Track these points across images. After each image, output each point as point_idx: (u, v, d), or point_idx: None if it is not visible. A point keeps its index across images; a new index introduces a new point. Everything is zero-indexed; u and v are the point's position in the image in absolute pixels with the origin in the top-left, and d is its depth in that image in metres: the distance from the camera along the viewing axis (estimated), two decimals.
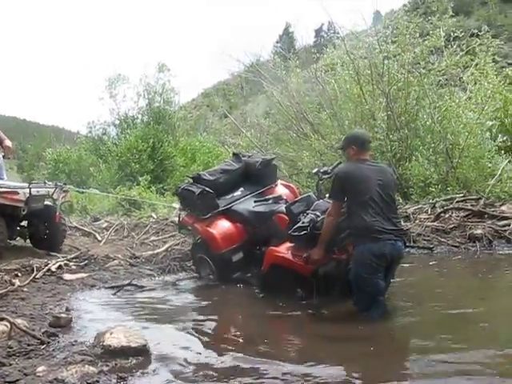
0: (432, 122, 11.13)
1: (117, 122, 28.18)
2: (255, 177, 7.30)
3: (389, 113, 11.55)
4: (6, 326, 4.42)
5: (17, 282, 6.48)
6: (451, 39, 11.95)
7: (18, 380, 3.37)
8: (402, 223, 5.04)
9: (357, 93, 11.95)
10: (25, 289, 6.28)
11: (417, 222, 8.75)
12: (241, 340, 4.29)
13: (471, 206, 9.19)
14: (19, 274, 6.93)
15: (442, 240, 8.00)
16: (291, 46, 26.91)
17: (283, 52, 16.48)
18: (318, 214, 5.25)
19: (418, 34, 12.01)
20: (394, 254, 4.76)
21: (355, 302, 4.85)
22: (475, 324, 4.49)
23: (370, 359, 3.82)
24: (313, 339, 4.43)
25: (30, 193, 8.05)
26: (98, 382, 3.36)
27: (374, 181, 4.79)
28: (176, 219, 8.19)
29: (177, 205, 8.96)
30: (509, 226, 8.14)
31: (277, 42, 55.41)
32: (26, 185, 8.30)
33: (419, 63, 11.84)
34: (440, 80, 12.17)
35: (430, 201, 9.81)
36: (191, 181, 7.29)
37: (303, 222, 5.25)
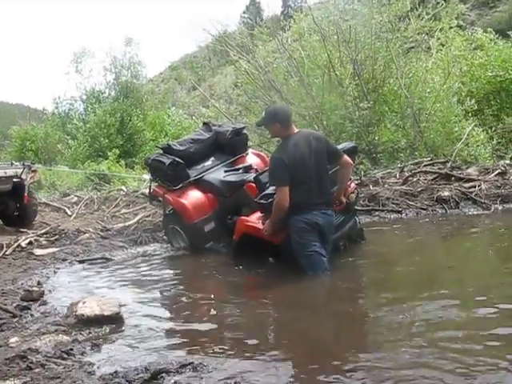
0: (399, 87, 11.20)
1: (84, 97, 27.69)
2: (226, 146, 7.27)
3: (356, 79, 11.57)
4: None
5: None
6: (416, 3, 11.97)
7: None
8: (332, 190, 5.10)
9: (325, 59, 11.92)
10: None
11: (385, 186, 8.83)
12: (211, 309, 4.32)
13: (438, 169, 9.33)
14: None
15: (411, 203, 8.10)
16: (258, 16, 26.64)
17: (250, 22, 16.29)
18: None
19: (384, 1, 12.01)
20: (326, 223, 4.96)
21: (302, 266, 4.93)
22: (436, 283, 4.58)
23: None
24: (280, 305, 4.49)
25: None
26: (71, 350, 3.36)
27: (307, 154, 4.89)
28: (146, 191, 8.15)
29: (147, 176, 8.90)
30: (475, 187, 8.29)
31: (244, 13, 54.69)
32: None
33: (389, 30, 11.84)
34: (407, 45, 12.22)
35: (399, 165, 9.92)
36: (161, 151, 7.24)
37: (270, 190, 5.26)
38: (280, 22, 14.68)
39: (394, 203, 8.16)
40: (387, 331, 3.48)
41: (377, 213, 7.99)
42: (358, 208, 7.55)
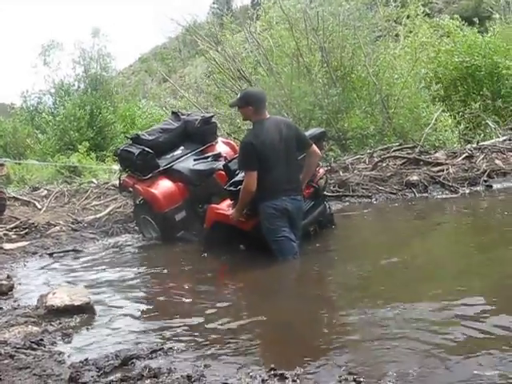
0: (367, 74, 11.29)
1: (52, 90, 27.29)
2: (195, 135, 7.27)
3: (325, 67, 11.63)
4: None
5: None
6: None
7: None
8: (300, 176, 5.18)
9: (293, 47, 11.95)
10: None
11: (355, 172, 8.89)
12: (181, 296, 4.35)
13: (407, 154, 9.44)
14: None
15: (380, 188, 8.18)
16: (228, 7, 26.54)
17: (220, 12, 16.22)
18: None
19: None
20: (295, 209, 5.03)
21: (273, 251, 4.98)
22: (405, 266, 4.65)
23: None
24: (250, 291, 4.54)
25: None
26: (42, 340, 3.36)
27: (277, 140, 4.93)
28: (117, 182, 8.10)
29: (116, 167, 8.85)
30: (443, 171, 8.41)
31: (213, 3, 54.34)
32: None
33: (357, 18, 11.91)
34: (375, 33, 12.33)
35: (368, 151, 10.01)
36: (130, 142, 7.20)
37: (239, 178, 5.29)
38: (248, 11, 14.64)
39: (363, 188, 8.23)
40: (356, 315, 3.53)
41: (347, 198, 8.06)
42: (329, 194, 7.63)
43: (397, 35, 13.46)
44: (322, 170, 6.07)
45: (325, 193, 6.36)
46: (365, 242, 6.02)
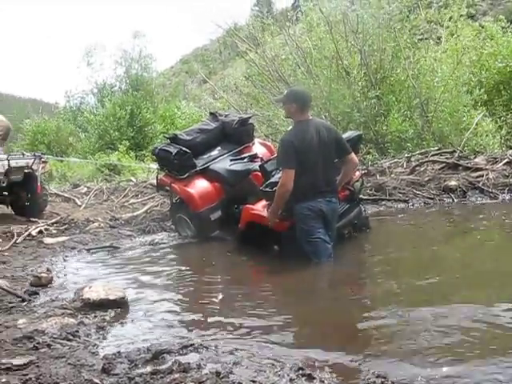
0: (407, 77, 11.18)
1: (95, 90, 27.87)
2: (232, 136, 7.31)
3: (364, 69, 11.57)
4: None
5: None
6: None
7: None
8: (337, 179, 5.17)
9: (332, 50, 11.93)
10: (6, 253, 6.38)
11: (392, 175, 8.85)
12: (215, 293, 4.40)
13: (446, 158, 9.33)
14: (0, 240, 6.98)
15: (418, 192, 8.12)
16: (268, 10, 26.56)
17: (260, 15, 16.28)
18: None
19: None
20: (330, 211, 5.03)
21: (306, 253, 4.97)
22: (438, 270, 4.59)
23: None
24: (282, 290, 4.56)
25: (8, 165, 8.09)
26: (77, 332, 3.44)
27: (316, 142, 4.93)
28: (154, 181, 8.23)
29: (155, 166, 9.00)
30: (482, 177, 8.28)
31: (254, 5, 54.53)
32: (5, 157, 8.31)
33: (397, 20, 11.82)
34: (416, 36, 12.21)
35: (406, 155, 9.92)
36: (168, 141, 7.30)
37: (275, 179, 5.31)
38: (289, 13, 14.68)
39: (400, 192, 8.18)
40: (389, 318, 3.52)
41: (383, 202, 8.02)
42: (365, 197, 7.61)
43: (438, 38, 13.29)
44: (358, 173, 6.05)
45: (360, 196, 6.34)
46: (399, 246, 5.97)
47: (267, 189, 5.28)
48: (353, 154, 5.21)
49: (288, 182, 4.86)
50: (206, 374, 2.72)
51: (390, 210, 7.75)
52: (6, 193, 8.75)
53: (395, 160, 9.89)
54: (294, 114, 5.14)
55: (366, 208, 7.01)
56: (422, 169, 9.06)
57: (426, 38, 13.07)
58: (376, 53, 11.80)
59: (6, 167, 8.09)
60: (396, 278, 4.48)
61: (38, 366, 2.88)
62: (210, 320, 3.73)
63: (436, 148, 10.02)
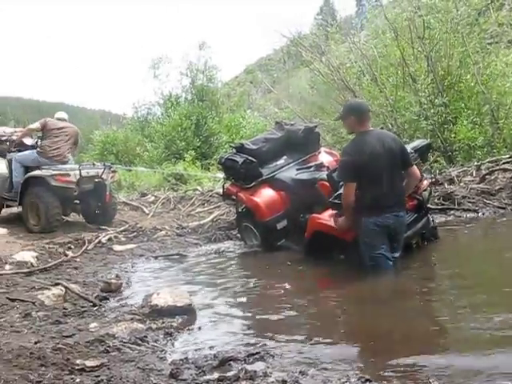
0: (476, 83, 10.87)
1: (161, 101, 28.45)
2: (298, 145, 7.28)
3: (431, 76, 11.33)
4: (61, 290, 4.74)
5: (70, 253, 6.85)
6: None
7: (73, 334, 3.60)
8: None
9: (398, 56, 11.76)
10: (77, 259, 6.61)
11: (461, 184, 8.59)
12: (281, 302, 4.40)
13: None
14: (72, 247, 7.27)
15: (488, 202, 7.82)
16: (332, 18, 26.47)
17: (324, 23, 16.27)
18: None
19: None
20: (397, 224, 4.89)
21: (367, 266, 4.88)
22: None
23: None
24: (347, 300, 4.49)
25: (80, 174, 8.39)
26: (146, 337, 3.53)
27: (380, 153, 4.79)
28: (221, 190, 8.31)
29: (221, 175, 9.09)
30: None
31: (317, 15, 54.47)
32: (77, 167, 8.63)
33: (466, 24, 11.55)
34: (486, 40, 11.88)
35: (475, 163, 9.62)
36: (234, 151, 7.37)
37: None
38: (353, 21, 14.63)
39: (470, 202, 7.92)
40: (456, 331, 3.43)
41: (452, 212, 7.78)
42: (433, 207, 7.42)
43: (510, 41, 12.90)
44: (426, 182, 5.91)
45: (429, 205, 6.19)
46: (468, 257, 5.80)
47: (336, 200, 5.22)
48: (415, 167, 5.09)
49: (348, 195, 4.80)
50: (272, 382, 2.74)
51: (458, 220, 7.51)
52: (77, 201, 9.04)
53: (464, 168, 9.61)
54: (354, 127, 5.05)
55: (434, 217, 6.85)
56: (492, 177, 8.75)
57: (496, 42, 12.71)
58: (443, 58, 11.54)
59: (78, 177, 8.38)
60: (461, 290, 4.35)
61: (109, 368, 2.97)
62: (275, 329, 3.74)
63: (507, 156, 9.65)
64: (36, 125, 8.96)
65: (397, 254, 4.96)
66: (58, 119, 9.07)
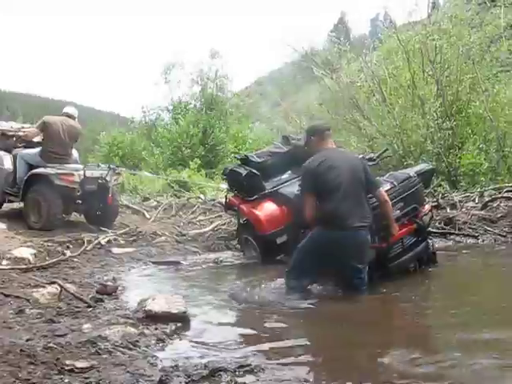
0: (484, 110, 10.91)
1: (170, 107, 28.55)
2: (304, 160, 7.27)
3: (440, 100, 11.37)
4: (56, 288, 4.74)
5: (68, 252, 6.86)
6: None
7: (65, 334, 3.58)
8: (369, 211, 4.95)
9: (408, 79, 11.83)
10: (75, 259, 6.61)
11: (463, 210, 8.60)
12: (275, 317, 4.39)
13: None
14: (70, 246, 7.27)
15: (489, 229, 7.84)
16: (346, 36, 26.58)
17: (337, 41, 16.34)
18: None
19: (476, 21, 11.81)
20: (351, 242, 4.82)
21: (288, 269, 5.09)
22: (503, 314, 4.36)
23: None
24: (340, 320, 4.47)
25: (84, 175, 8.41)
26: (137, 341, 3.52)
27: (338, 167, 4.89)
28: (223, 200, 8.32)
29: (224, 185, 9.11)
30: None
31: (331, 32, 54.75)
32: (81, 167, 8.65)
33: (478, 51, 11.60)
34: (497, 68, 11.93)
35: (479, 189, 9.64)
36: (239, 162, 7.38)
37: None
38: (366, 40, 14.70)
39: (470, 228, 7.93)
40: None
41: (452, 236, 7.80)
42: (434, 230, 7.41)
43: None
44: (427, 206, 5.92)
45: (429, 229, 6.18)
46: (463, 283, 5.79)
47: None
48: (381, 190, 5.08)
49: (307, 208, 4.96)
50: None
51: (458, 245, 7.52)
52: (79, 201, 9.05)
53: (467, 194, 9.64)
54: (315, 147, 5.17)
55: (434, 241, 6.87)
56: (494, 205, 8.76)
57: (507, 71, 12.74)
58: (453, 84, 11.60)
59: (82, 177, 8.40)
60: (453, 316, 4.31)
61: (98, 370, 2.97)
62: (269, 342, 3.72)
63: (511, 184, 9.66)
64: (34, 130, 9.01)
65: (362, 275, 4.90)
66: (67, 115, 9.06)
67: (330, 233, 4.81)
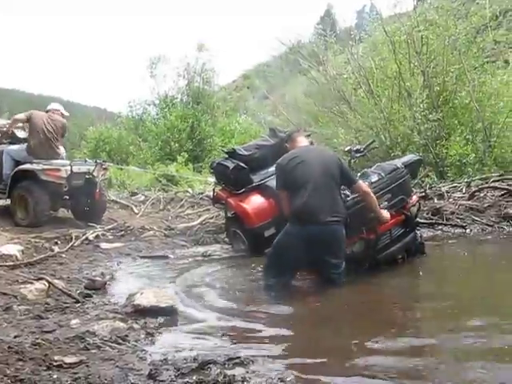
0: (470, 100, 10.96)
1: (157, 101, 28.38)
2: None
3: (426, 92, 11.41)
4: (44, 284, 4.72)
5: (56, 248, 6.85)
6: (497, 13, 11.77)
7: (53, 330, 3.58)
8: (341, 206, 4.90)
9: (394, 70, 11.85)
10: (63, 255, 6.60)
11: (450, 200, 8.64)
12: (266, 308, 4.41)
13: (508, 185, 8.98)
14: (58, 242, 7.28)
15: (476, 219, 7.87)
16: (332, 28, 26.57)
17: (324, 33, 16.34)
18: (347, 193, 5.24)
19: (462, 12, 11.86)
20: (322, 237, 4.76)
21: (265, 266, 5.21)
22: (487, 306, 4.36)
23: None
24: (333, 308, 4.51)
25: (71, 170, 8.36)
26: (127, 336, 3.52)
27: (307, 162, 4.93)
28: (211, 194, 8.32)
29: (212, 179, 9.11)
30: None
31: (318, 24, 54.67)
32: (68, 163, 8.60)
33: (464, 42, 11.63)
34: (482, 58, 11.97)
35: (466, 180, 9.69)
36: (226, 156, 7.37)
37: None
38: (352, 32, 14.68)
39: (458, 218, 7.97)
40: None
41: (440, 226, 7.84)
42: (422, 221, 7.44)
43: (506, 61, 13.01)
44: (415, 197, 5.92)
45: (417, 219, 6.20)
46: (451, 273, 5.78)
47: None
48: (360, 183, 5.06)
49: (283, 203, 5.09)
50: None
51: (446, 235, 7.56)
52: (67, 197, 9.00)
53: (454, 184, 9.67)
54: (290, 149, 5.34)
55: (422, 232, 6.92)
56: (481, 194, 8.80)
57: (493, 61, 12.81)
58: (439, 75, 11.64)
59: (69, 172, 8.34)
60: (440, 306, 4.33)
61: (87, 365, 2.96)
62: (259, 334, 3.74)
63: (497, 174, 9.72)
64: (21, 116, 8.91)
65: (338, 270, 4.87)
66: (53, 111, 9.00)
67: (301, 228, 4.78)
